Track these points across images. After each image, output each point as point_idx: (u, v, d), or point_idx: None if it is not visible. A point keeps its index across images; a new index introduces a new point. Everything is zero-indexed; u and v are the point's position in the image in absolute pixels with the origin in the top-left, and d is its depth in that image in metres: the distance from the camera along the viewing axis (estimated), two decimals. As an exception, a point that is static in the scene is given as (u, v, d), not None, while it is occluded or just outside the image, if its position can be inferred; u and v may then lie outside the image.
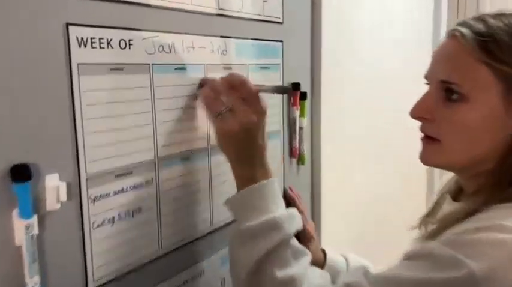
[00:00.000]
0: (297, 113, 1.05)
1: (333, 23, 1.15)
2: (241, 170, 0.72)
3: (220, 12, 0.82)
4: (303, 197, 1.12)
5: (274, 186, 0.73)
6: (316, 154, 1.14)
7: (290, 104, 1.05)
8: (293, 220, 0.71)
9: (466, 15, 2.02)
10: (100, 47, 0.61)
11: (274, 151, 1.00)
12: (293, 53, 1.04)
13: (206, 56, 0.79)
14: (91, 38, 0.60)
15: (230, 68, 0.86)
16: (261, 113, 0.71)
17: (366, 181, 1.39)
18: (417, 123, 0.72)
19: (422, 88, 0.72)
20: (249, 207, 0.70)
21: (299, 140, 1.07)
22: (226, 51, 0.84)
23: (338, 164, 1.22)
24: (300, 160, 1.09)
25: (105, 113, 0.63)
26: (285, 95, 1.03)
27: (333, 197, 1.21)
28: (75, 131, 0.59)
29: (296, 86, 1.05)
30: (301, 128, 1.07)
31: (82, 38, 0.59)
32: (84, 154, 0.60)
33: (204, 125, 0.80)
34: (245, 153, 0.71)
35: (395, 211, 1.51)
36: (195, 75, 0.77)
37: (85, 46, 0.60)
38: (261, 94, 0.72)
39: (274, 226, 0.67)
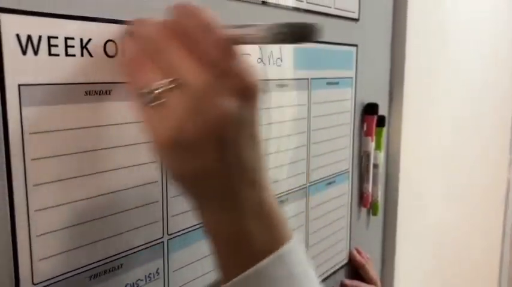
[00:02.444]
0: (372, 145, 0.76)
1: (419, 21, 0.85)
2: (222, 220, 0.33)
3: (273, 0, 0.53)
4: (372, 259, 0.82)
5: (301, 248, 0.35)
6: (391, 202, 0.84)
7: (362, 133, 0.76)
8: None
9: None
10: (67, 54, 0.34)
11: (340, 200, 0.71)
12: (369, 63, 0.75)
13: (251, 68, 0.51)
14: (49, 38, 0.33)
15: (286, 85, 0.57)
16: (247, 91, 0.32)
17: (448, 240, 1.08)
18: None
19: None
20: None
21: (373, 182, 0.77)
22: (280, 60, 0.56)
23: (415, 217, 0.92)
24: (373, 210, 0.79)
25: (68, 172, 0.35)
26: (356, 118, 0.73)
27: (409, 263, 0.91)
28: (12, 208, 0.32)
29: (372, 108, 0.75)
30: (375, 166, 0.77)
31: (30, 38, 0.32)
32: (30, 247, 0.33)
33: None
34: (222, 179, 0.32)
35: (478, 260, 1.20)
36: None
37: (35, 53, 0.32)
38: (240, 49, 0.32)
39: None
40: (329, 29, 0.64)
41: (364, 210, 0.78)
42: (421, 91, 0.89)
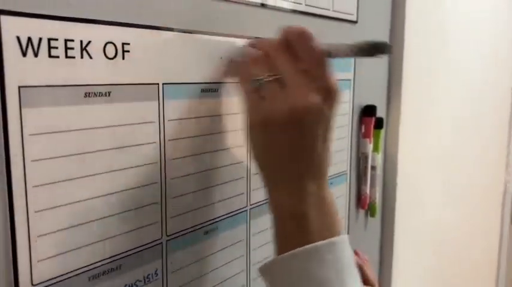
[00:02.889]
0: (370, 147, 0.76)
1: (419, 23, 0.85)
2: (287, 202, 0.40)
3: (272, 2, 0.54)
4: (370, 260, 0.83)
5: (349, 245, 0.41)
6: (389, 204, 0.84)
7: (360, 135, 0.76)
8: None
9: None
10: (67, 56, 0.34)
11: (337, 201, 0.71)
12: (368, 65, 0.75)
13: (250, 70, 0.51)
14: (49, 40, 0.33)
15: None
16: (330, 93, 0.40)
17: (446, 241, 1.08)
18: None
19: None
20: (313, 283, 0.38)
21: (370, 184, 0.77)
22: (279, 62, 0.56)
23: (413, 219, 0.92)
24: (371, 211, 0.80)
25: (69, 173, 0.35)
26: (354, 120, 0.73)
27: (407, 264, 0.91)
28: (11, 209, 0.32)
29: (370, 110, 0.76)
30: (373, 168, 0.78)
31: (30, 40, 0.32)
32: (30, 248, 0.33)
33: (240, 175, 0.52)
34: (294, 165, 0.40)
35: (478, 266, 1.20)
36: (232, 99, 0.49)
37: (35, 55, 0.32)
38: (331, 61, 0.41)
39: None
40: (327, 31, 0.65)
41: (362, 211, 0.79)
42: (419, 93, 0.89)
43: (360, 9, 0.71)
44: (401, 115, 0.82)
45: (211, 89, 0.46)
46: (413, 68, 0.84)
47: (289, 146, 0.39)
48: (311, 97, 0.38)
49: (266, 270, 0.41)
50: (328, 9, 0.64)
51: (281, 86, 0.39)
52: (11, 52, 0.31)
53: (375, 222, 0.83)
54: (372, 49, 0.40)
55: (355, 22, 0.71)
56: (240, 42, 0.49)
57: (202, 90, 0.45)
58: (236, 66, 0.46)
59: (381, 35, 0.80)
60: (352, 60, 0.71)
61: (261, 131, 0.40)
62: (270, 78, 0.39)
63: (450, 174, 1.10)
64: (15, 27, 0.31)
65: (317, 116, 0.39)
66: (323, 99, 0.39)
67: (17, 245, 0.33)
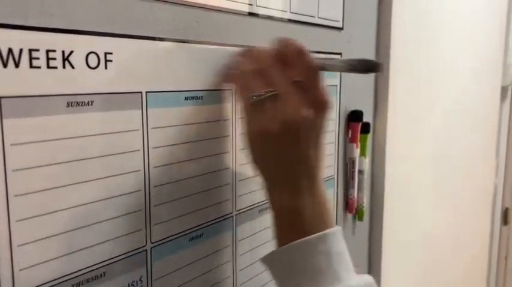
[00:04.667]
0: (357, 151, 0.77)
1: (405, 29, 0.86)
2: (284, 199, 0.45)
3: (255, 10, 0.54)
4: (359, 264, 0.83)
5: (341, 236, 0.46)
6: (377, 208, 0.85)
7: (347, 140, 0.77)
8: None
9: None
10: (48, 67, 0.35)
11: (325, 206, 0.72)
12: (354, 71, 0.76)
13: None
14: (30, 51, 0.33)
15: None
16: (321, 105, 0.45)
17: (436, 245, 1.09)
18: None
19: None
20: (307, 272, 0.43)
21: (358, 188, 0.78)
22: (264, 69, 0.57)
23: (403, 223, 0.93)
24: (358, 215, 0.80)
25: (52, 182, 0.36)
26: (341, 125, 0.74)
27: (396, 269, 0.92)
28: None
29: (357, 115, 0.76)
30: (360, 172, 0.78)
31: (11, 51, 0.32)
32: (11, 256, 0.34)
33: (226, 182, 0.52)
34: (289, 167, 0.45)
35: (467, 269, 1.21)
36: (217, 107, 0.50)
37: (16, 65, 0.33)
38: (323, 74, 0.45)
39: None
40: (313, 38, 0.65)
41: (350, 216, 0.79)
42: (406, 97, 0.90)
43: (346, 16, 0.72)
44: (388, 119, 0.83)
45: (195, 97, 0.47)
46: (400, 72, 0.85)
47: (284, 152, 0.44)
48: (303, 111, 0.43)
49: (267, 261, 0.47)
50: (314, 17, 0.65)
51: (276, 99, 0.43)
52: (-8, 63, 0.31)
53: (363, 226, 0.84)
54: (363, 67, 0.44)
55: (340, 29, 0.71)
56: (226, 50, 0.49)
57: (186, 98, 0.46)
58: (233, 78, 0.49)
59: (367, 41, 0.81)
60: (338, 66, 0.71)
61: (258, 140, 0.44)
62: (267, 94, 0.43)
63: (439, 177, 1.11)
64: (-4, 39, 0.32)
65: (309, 127, 0.44)
66: (315, 111, 0.43)
67: (-1, 254, 0.33)
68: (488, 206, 1.63)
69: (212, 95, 0.49)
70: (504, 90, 1.60)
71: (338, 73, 0.72)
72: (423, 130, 1.01)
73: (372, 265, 0.87)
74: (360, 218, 0.80)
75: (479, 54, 1.29)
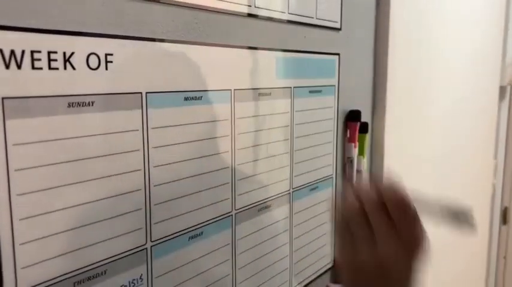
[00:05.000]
0: (355, 151, 0.77)
1: (402, 30, 0.87)
2: None
3: (254, 11, 0.55)
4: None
5: None
6: (376, 205, 0.86)
7: (345, 139, 0.77)
8: None
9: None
10: (50, 68, 0.35)
11: (323, 205, 0.73)
12: (352, 70, 0.77)
13: (233, 78, 0.53)
14: (32, 52, 0.34)
15: (269, 94, 0.59)
16: (417, 244, 0.45)
17: (435, 243, 1.09)
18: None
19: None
20: None
21: (356, 188, 0.78)
22: (263, 69, 0.57)
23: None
24: (356, 215, 0.81)
25: (54, 181, 0.36)
26: (339, 125, 0.75)
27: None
28: (-4, 218, 0.33)
29: (355, 114, 0.77)
30: (359, 171, 0.79)
31: (13, 52, 0.33)
32: (14, 254, 0.34)
33: (225, 181, 0.53)
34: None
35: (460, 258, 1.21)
36: (216, 106, 0.50)
37: (19, 66, 0.33)
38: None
39: None
40: (311, 38, 0.66)
41: (348, 215, 0.80)
42: (405, 97, 0.90)
43: (344, 17, 0.73)
44: (386, 119, 0.83)
45: (194, 97, 0.47)
46: (399, 72, 0.86)
47: (374, 281, 0.45)
48: (398, 254, 0.44)
49: None
50: (312, 17, 0.66)
51: (373, 239, 0.44)
52: (-6, 64, 0.32)
53: (362, 225, 0.84)
54: (461, 222, 0.44)
55: (339, 29, 0.72)
56: (225, 51, 0.50)
57: (186, 99, 0.47)
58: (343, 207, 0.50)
59: (365, 42, 0.81)
60: (336, 66, 0.72)
61: (349, 268, 0.46)
62: (365, 233, 0.44)
63: (438, 176, 1.11)
64: (-1, 41, 0.32)
65: (402, 269, 0.45)
66: (410, 251, 0.44)
67: (1, 252, 0.34)
68: (487, 205, 1.63)
69: (211, 96, 0.49)
70: (502, 90, 1.61)
71: (336, 72, 0.72)
72: (421, 130, 1.01)
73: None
74: (359, 217, 0.81)
75: (477, 54, 1.29)
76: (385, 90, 0.83)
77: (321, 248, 0.73)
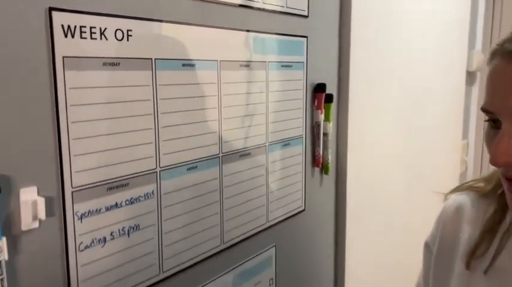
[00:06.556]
0: (322, 117, 0.95)
1: (364, 17, 1.04)
2: None
3: (242, 2, 0.72)
4: (326, 210, 1.02)
5: None
6: (341, 163, 1.03)
7: (314, 107, 0.94)
8: None
9: (502, 11, 1.87)
10: (91, 38, 0.52)
11: (295, 159, 0.90)
12: (319, 51, 0.94)
13: (220, 52, 0.70)
14: (80, 27, 0.51)
15: (247, 66, 0.76)
16: None
17: (395, 191, 1.27)
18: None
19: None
20: None
21: (323, 147, 0.96)
22: (243, 46, 0.74)
23: (365, 174, 1.11)
24: (324, 169, 0.98)
25: (95, 115, 0.53)
26: (308, 95, 0.92)
27: (360, 210, 1.10)
28: (59, 136, 0.50)
29: (321, 87, 0.94)
30: (325, 134, 0.96)
31: (69, 27, 0.50)
32: (70, 163, 0.51)
33: (213, 130, 0.70)
34: None
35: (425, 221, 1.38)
36: (206, 72, 0.67)
37: (72, 36, 0.50)
38: None
39: None
40: (282, 24, 0.83)
41: (317, 169, 0.97)
42: (367, 74, 1.07)
43: (311, 5, 0.90)
44: (350, 90, 1.00)
45: (189, 64, 0.64)
46: (362, 52, 1.03)
47: None
48: None
49: None
50: (283, 6, 0.83)
51: None
52: (58, 35, 0.49)
53: (330, 179, 1.02)
54: None
55: (306, 17, 0.89)
56: (216, 32, 0.67)
57: (183, 65, 0.64)
58: None
59: (331, 26, 0.98)
60: (304, 46, 0.89)
61: None
62: None
63: (401, 138, 1.27)
64: (60, 19, 0.49)
65: None
66: None
67: (62, 160, 0.51)
68: (456, 181, 1.80)
69: (202, 64, 0.66)
70: (471, 75, 1.77)
71: (305, 52, 0.90)
72: (385, 102, 1.18)
73: (338, 212, 1.05)
74: (326, 172, 0.98)
75: (444, 39, 1.45)
76: (348, 67, 1.00)
77: (292, 193, 0.90)
